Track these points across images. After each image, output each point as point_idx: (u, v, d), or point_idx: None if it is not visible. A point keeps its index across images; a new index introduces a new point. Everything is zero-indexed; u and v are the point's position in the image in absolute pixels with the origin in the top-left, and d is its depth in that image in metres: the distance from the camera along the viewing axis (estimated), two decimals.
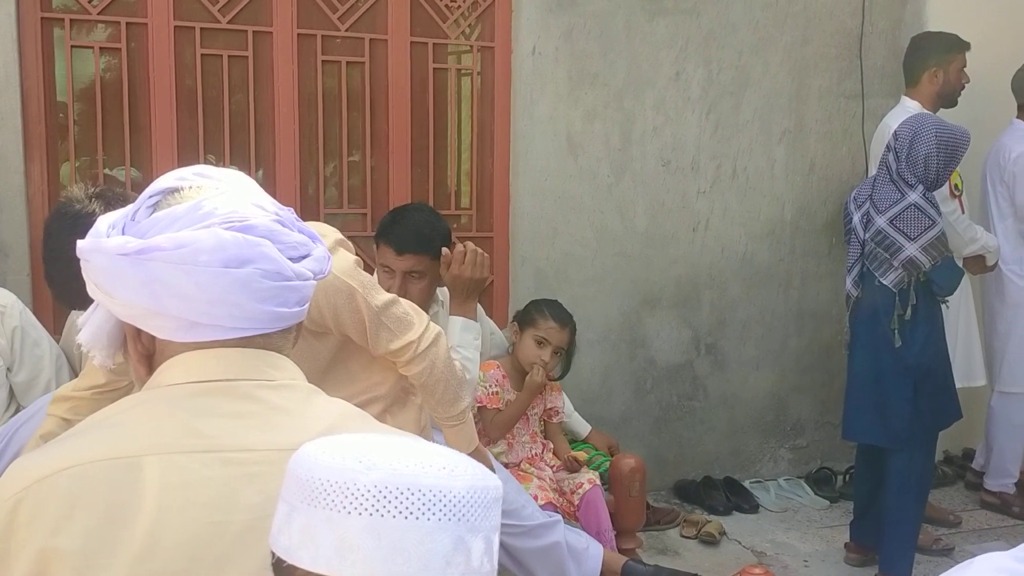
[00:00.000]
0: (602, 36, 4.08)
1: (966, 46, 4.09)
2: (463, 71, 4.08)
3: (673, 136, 4.24)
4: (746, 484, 4.40)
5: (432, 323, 2.28)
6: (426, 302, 2.80)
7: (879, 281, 3.43)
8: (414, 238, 2.75)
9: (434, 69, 3.98)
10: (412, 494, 0.82)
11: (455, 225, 3.97)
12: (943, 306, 3.53)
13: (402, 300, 2.24)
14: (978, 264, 4.06)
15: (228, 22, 3.68)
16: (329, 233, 2.12)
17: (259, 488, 1.04)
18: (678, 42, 4.20)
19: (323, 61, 3.81)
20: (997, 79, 4.30)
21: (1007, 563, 0.86)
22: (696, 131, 4.27)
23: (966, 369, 4.12)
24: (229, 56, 3.69)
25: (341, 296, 2.09)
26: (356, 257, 2.18)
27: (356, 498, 0.82)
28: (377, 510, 0.82)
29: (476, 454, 2.36)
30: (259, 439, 1.07)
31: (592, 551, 3.12)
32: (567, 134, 4.08)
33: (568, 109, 4.08)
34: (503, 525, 2.73)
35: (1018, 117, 4.25)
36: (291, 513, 0.86)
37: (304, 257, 1.15)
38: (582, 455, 3.49)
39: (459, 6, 3.99)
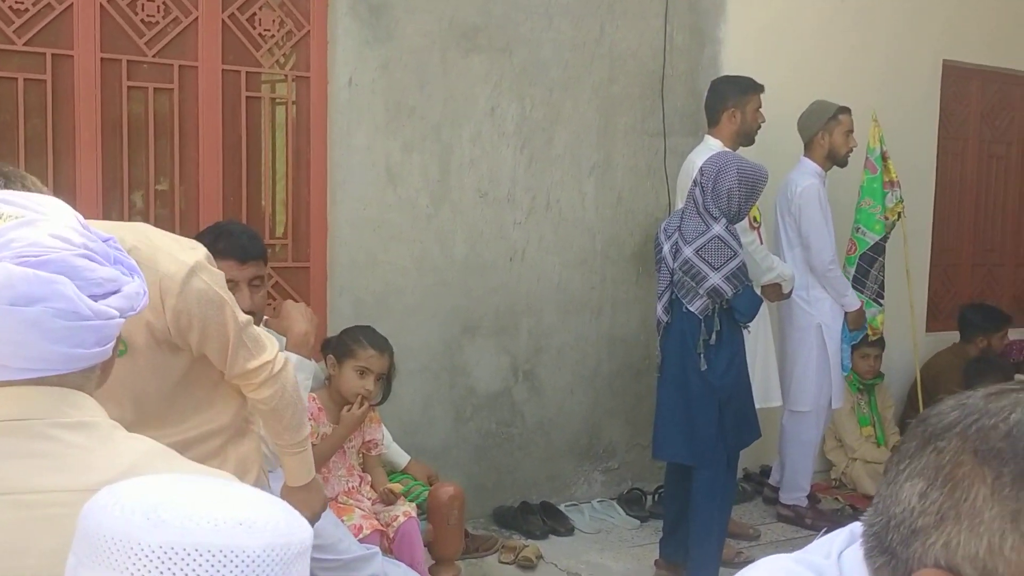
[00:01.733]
0: (419, 69, 4.14)
1: (760, 88, 4.38)
2: (277, 100, 4.03)
3: (490, 168, 4.34)
4: (562, 508, 4.51)
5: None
6: (264, 310, 2.80)
7: (686, 308, 3.63)
8: (251, 244, 2.79)
9: (247, 97, 3.91)
10: (201, 555, 0.77)
11: (270, 254, 3.90)
12: (744, 331, 3.76)
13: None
14: (775, 291, 4.34)
15: (24, 44, 3.49)
16: (197, 247, 2.05)
17: (54, 532, 0.97)
18: (492, 78, 4.31)
19: (129, 87, 3.67)
20: (788, 120, 4.66)
21: (788, 564, 0.93)
22: (511, 164, 4.39)
23: (764, 390, 4.38)
24: (25, 80, 3.50)
25: (213, 307, 2.03)
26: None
27: (140, 559, 0.77)
28: (162, 572, 0.77)
29: (314, 483, 2.33)
30: (54, 480, 1.01)
31: None
32: (385, 164, 4.10)
33: (386, 140, 4.10)
34: (319, 560, 2.68)
35: (805, 155, 4.60)
36: (77, 567, 0.81)
37: (111, 294, 1.10)
38: (398, 487, 3.48)
39: (273, 35, 3.94)
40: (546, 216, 4.50)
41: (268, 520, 0.83)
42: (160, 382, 2.05)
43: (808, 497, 4.67)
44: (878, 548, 0.85)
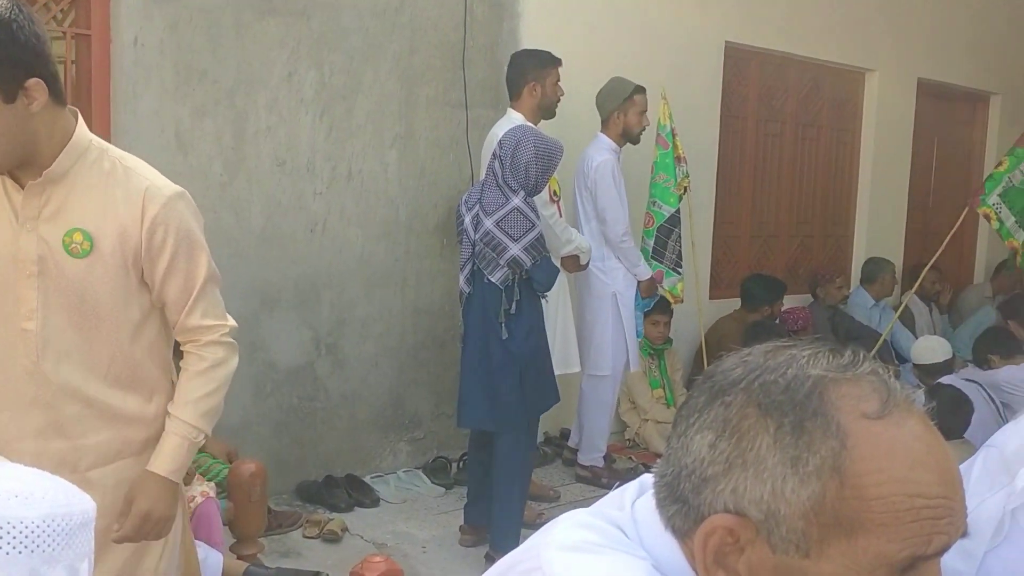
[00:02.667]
0: (210, 31, 3.96)
1: (558, 61, 4.47)
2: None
3: (288, 136, 4.23)
4: (367, 479, 4.50)
5: None
6: None
7: (488, 279, 3.69)
8: None
9: None
10: None
11: None
12: (543, 301, 3.87)
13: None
14: (573, 263, 4.48)
15: None
16: (167, 186, 1.93)
17: None
18: (289, 43, 4.19)
19: None
20: (585, 94, 4.80)
21: (584, 518, 0.98)
22: (310, 132, 4.30)
23: (563, 357, 4.52)
24: None
25: (189, 241, 1.93)
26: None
27: None
28: None
29: (175, 487, 2.00)
30: None
31: (211, 561, 3.04)
32: (175, 130, 3.91)
33: (175, 105, 3.91)
34: None
35: (601, 131, 4.76)
36: None
37: None
38: (193, 466, 3.36)
39: None
40: (348, 187, 4.44)
41: (46, 492, 0.82)
42: (113, 308, 1.89)
43: (604, 458, 4.88)
44: (670, 497, 0.90)
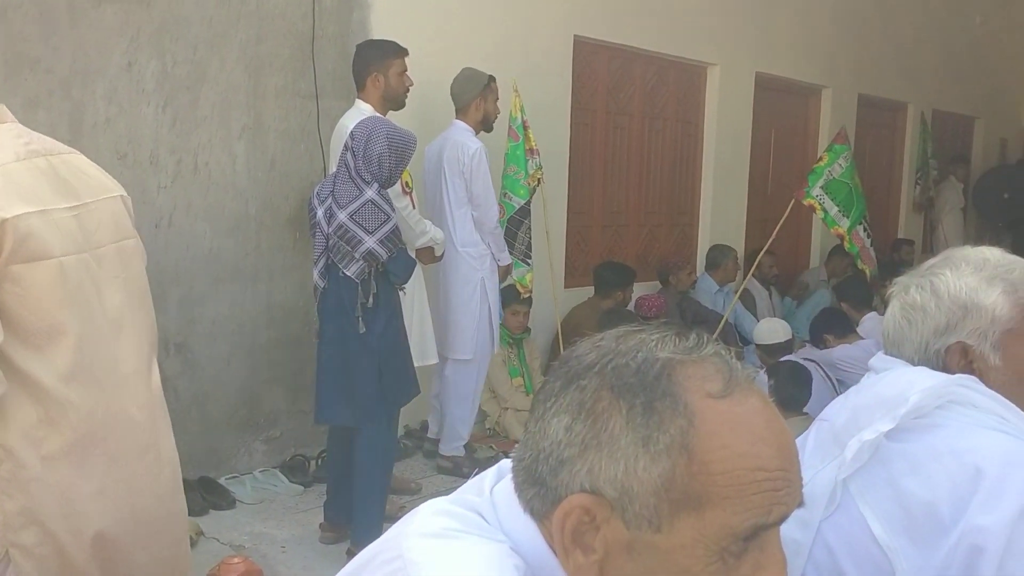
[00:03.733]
0: (42, 17, 3.75)
1: (404, 52, 4.43)
2: None
3: (128, 128, 4.05)
4: (222, 481, 4.38)
5: None
6: None
7: (343, 272, 3.64)
8: None
9: None
10: None
11: None
12: (400, 293, 3.86)
13: None
14: (428, 255, 4.47)
15: None
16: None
17: None
18: (129, 31, 4.02)
19: None
20: (436, 85, 4.80)
21: (444, 505, 0.99)
22: (153, 124, 4.13)
23: (421, 349, 4.51)
24: None
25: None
26: None
27: None
28: None
29: None
30: None
31: None
32: None
33: (4, 95, 3.67)
34: None
35: (458, 118, 4.78)
36: None
37: None
38: None
39: None
40: (194, 180, 4.30)
41: None
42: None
43: (465, 447, 4.91)
44: (529, 480, 0.93)
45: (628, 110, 6.83)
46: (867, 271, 6.22)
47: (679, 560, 0.87)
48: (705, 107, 7.41)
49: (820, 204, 6.04)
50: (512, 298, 5.28)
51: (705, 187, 7.49)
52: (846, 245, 6.17)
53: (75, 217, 1.69)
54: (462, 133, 4.72)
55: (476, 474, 1.06)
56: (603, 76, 6.56)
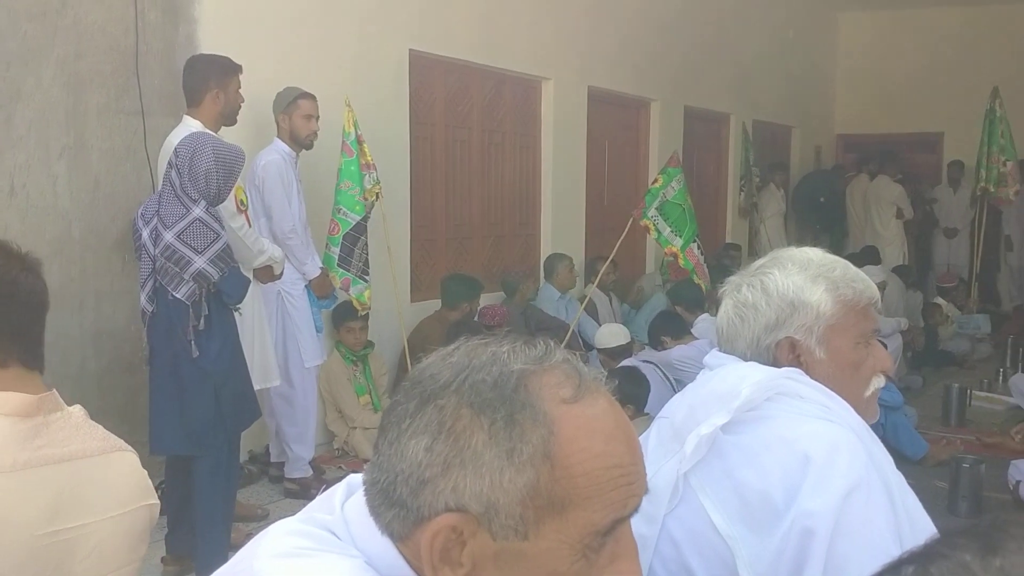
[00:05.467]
0: None
1: (239, 68, 4.34)
2: None
3: None
4: None
5: None
6: None
7: (172, 295, 3.51)
8: None
9: None
10: None
11: None
12: (236, 314, 3.74)
13: None
14: (267, 273, 4.36)
15: None
16: None
17: None
18: None
19: None
20: (265, 102, 4.70)
21: (293, 525, 0.97)
22: None
23: (263, 371, 4.39)
24: None
25: None
26: None
27: None
28: None
29: None
30: None
31: None
32: None
33: None
34: None
35: (277, 136, 4.73)
36: None
37: None
38: None
39: None
40: (11, 203, 4.04)
41: None
42: None
43: (313, 468, 4.81)
44: (386, 503, 0.92)
45: (467, 124, 6.89)
46: (703, 285, 6.47)
47: (545, 563, 0.89)
48: (541, 120, 7.56)
49: (654, 225, 6.31)
50: (348, 315, 5.23)
51: (545, 198, 7.64)
52: (680, 262, 6.42)
53: None
54: (267, 148, 4.72)
55: (324, 490, 1.04)
56: (441, 90, 6.59)
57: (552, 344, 0.96)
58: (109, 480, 1.56)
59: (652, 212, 6.30)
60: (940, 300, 9.02)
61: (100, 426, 1.56)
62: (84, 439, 1.56)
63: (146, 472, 1.62)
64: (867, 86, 12.09)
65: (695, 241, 6.44)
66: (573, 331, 6.59)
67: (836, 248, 7.26)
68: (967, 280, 9.81)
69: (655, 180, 6.53)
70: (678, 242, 6.36)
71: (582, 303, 6.91)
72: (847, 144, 12.65)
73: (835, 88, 12.65)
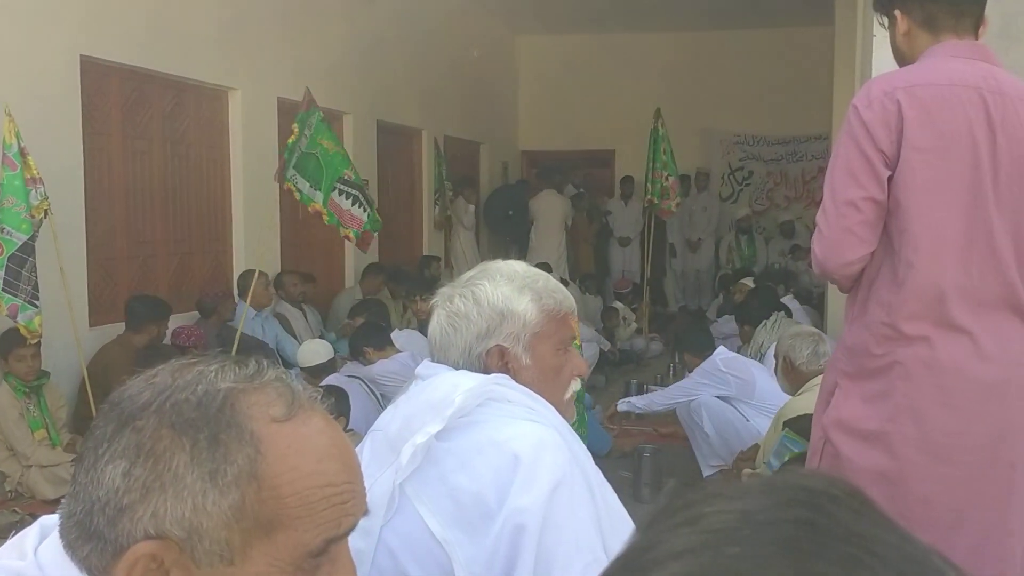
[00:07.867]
0: None
1: None
2: None
3: None
4: None
5: None
6: None
7: None
8: None
9: None
10: None
11: None
12: None
13: None
14: None
15: None
16: None
17: None
18: None
19: None
20: None
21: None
22: None
23: None
24: None
25: None
26: None
27: None
28: None
29: None
30: None
31: None
32: None
33: None
34: None
35: None
36: None
37: None
38: None
39: None
40: None
41: None
42: None
43: None
44: (83, 536, 0.85)
45: (147, 134, 6.50)
46: (351, 233, 5.72)
47: None
48: (229, 132, 7.29)
49: (295, 185, 5.62)
50: (16, 342, 4.77)
51: (236, 213, 7.37)
52: (325, 219, 5.68)
53: None
54: None
55: (14, 535, 0.94)
56: (117, 99, 6.16)
57: (265, 363, 0.95)
58: None
59: (291, 172, 5.59)
60: (617, 304, 9.79)
61: None
62: None
63: None
64: (546, 105, 12.87)
65: (336, 186, 5.60)
66: (272, 351, 6.42)
67: (524, 260, 7.60)
68: (640, 284, 10.70)
69: (292, 132, 5.66)
70: (319, 196, 5.61)
71: (278, 319, 6.75)
72: (531, 160, 13.38)
73: (518, 106, 13.33)
